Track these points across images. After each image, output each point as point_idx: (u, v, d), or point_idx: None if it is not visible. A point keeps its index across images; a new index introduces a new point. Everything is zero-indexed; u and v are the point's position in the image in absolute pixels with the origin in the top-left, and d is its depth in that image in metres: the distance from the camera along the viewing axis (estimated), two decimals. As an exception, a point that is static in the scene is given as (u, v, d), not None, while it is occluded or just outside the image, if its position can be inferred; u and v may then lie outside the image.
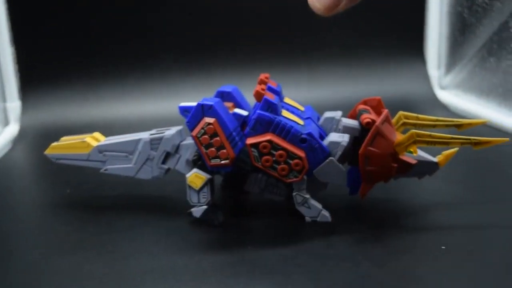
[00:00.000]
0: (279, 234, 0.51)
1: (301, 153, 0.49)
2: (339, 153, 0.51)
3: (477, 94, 1.01)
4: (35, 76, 1.02)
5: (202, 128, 0.49)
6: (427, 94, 1.10)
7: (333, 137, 0.52)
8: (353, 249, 0.48)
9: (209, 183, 0.52)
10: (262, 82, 0.54)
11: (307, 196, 0.52)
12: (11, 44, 1.00)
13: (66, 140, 0.58)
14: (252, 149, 0.49)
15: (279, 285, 0.42)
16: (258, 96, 0.51)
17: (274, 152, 0.49)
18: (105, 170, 0.56)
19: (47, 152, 0.58)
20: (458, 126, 0.56)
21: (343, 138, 0.51)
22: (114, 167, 0.56)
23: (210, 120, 0.49)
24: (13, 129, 0.96)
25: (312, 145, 0.50)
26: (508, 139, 0.53)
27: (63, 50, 1.03)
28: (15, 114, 1.00)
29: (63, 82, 1.03)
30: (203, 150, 0.49)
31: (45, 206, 0.61)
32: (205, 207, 0.52)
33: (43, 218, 0.58)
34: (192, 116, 0.49)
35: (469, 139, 0.52)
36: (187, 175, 0.52)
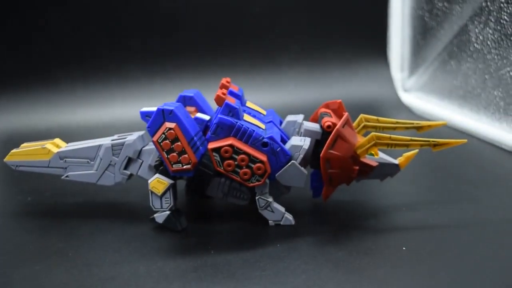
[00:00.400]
0: (242, 238, 0.51)
1: (263, 157, 0.49)
2: (301, 156, 0.51)
3: (439, 96, 1.02)
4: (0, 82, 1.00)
5: (163, 133, 0.48)
6: (391, 97, 1.11)
7: (295, 140, 0.52)
8: (315, 252, 0.48)
9: (172, 188, 0.51)
10: (223, 86, 0.54)
11: (270, 199, 0.52)
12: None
13: (26, 146, 0.57)
14: (214, 154, 0.49)
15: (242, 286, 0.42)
16: (220, 100, 0.50)
17: (236, 157, 0.49)
18: (66, 176, 0.55)
19: (7, 159, 0.56)
20: (418, 128, 0.57)
21: (305, 142, 0.51)
22: (76, 173, 0.55)
23: (171, 125, 0.48)
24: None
25: (274, 149, 0.50)
26: (466, 140, 0.54)
27: (23, 56, 1.01)
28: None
29: (24, 88, 1.01)
30: (165, 155, 0.49)
31: (4, 214, 0.59)
32: (168, 212, 0.51)
33: (2, 227, 0.56)
34: (153, 121, 0.48)
35: (428, 141, 0.52)
36: (149, 181, 0.51)
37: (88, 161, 0.54)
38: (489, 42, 0.85)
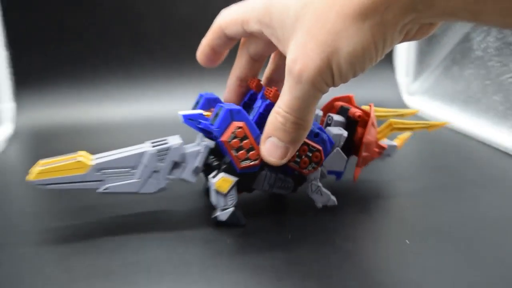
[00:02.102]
0: (254, 229, 0.52)
1: (319, 146, 0.51)
2: (342, 143, 0.54)
3: (441, 100, 1.02)
4: (28, 79, 1.02)
5: (232, 132, 0.47)
6: (396, 100, 1.11)
7: (334, 130, 0.54)
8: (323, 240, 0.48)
9: (235, 185, 0.50)
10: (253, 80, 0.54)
11: (320, 184, 0.54)
12: (5, 48, 0.99)
13: (49, 163, 0.48)
14: None
15: (253, 276, 0.42)
16: (258, 86, 0.52)
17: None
18: (105, 189, 0.49)
19: (35, 178, 0.47)
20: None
21: (343, 131, 0.55)
22: (115, 184, 0.49)
23: (240, 124, 0.48)
24: (7, 129, 0.95)
25: (323, 138, 0.52)
26: (448, 122, 0.68)
27: (55, 55, 1.02)
28: (10, 115, 0.99)
29: (55, 84, 1.02)
30: (233, 153, 0.48)
31: (36, 202, 0.60)
32: (232, 209, 0.51)
33: (34, 214, 0.57)
34: (222, 122, 0.47)
35: (426, 124, 0.63)
36: (214, 181, 0.49)
37: (129, 170, 0.50)
38: (490, 50, 0.85)
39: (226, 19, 0.47)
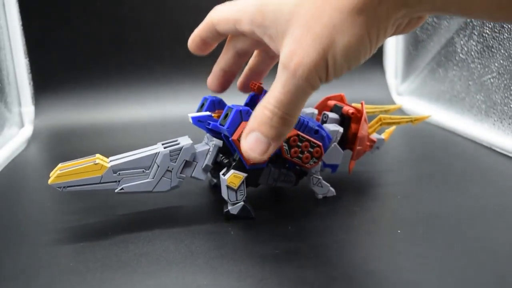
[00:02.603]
0: (257, 221, 0.51)
1: (319, 142, 0.51)
2: (338, 138, 0.54)
3: (428, 100, 1.01)
4: (46, 84, 1.01)
5: (242, 131, 0.46)
6: (386, 99, 1.10)
7: (331, 127, 0.54)
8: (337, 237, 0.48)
9: (244, 181, 0.50)
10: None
11: (320, 177, 0.54)
12: (25, 56, 0.99)
13: (68, 166, 0.47)
14: (284, 144, 0.50)
15: (255, 265, 0.42)
16: (258, 88, 0.52)
17: (300, 144, 0.50)
18: (121, 189, 0.49)
19: (52, 181, 0.47)
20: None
21: (339, 127, 0.55)
22: (130, 184, 0.49)
23: None
24: (27, 130, 0.95)
25: (322, 135, 0.51)
26: (430, 115, 0.71)
27: (71, 61, 1.02)
28: (29, 117, 0.99)
29: (71, 88, 1.02)
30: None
31: (54, 198, 0.60)
32: (242, 203, 0.50)
33: (52, 209, 0.57)
34: (232, 121, 0.47)
35: (411, 118, 0.65)
36: (226, 177, 0.49)
37: (143, 171, 0.49)
38: (472, 53, 0.84)
39: (219, 16, 0.46)
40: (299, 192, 0.57)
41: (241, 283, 0.39)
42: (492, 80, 0.79)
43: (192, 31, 0.49)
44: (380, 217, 0.51)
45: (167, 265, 0.42)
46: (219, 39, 0.49)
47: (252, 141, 0.41)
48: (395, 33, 0.41)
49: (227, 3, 0.45)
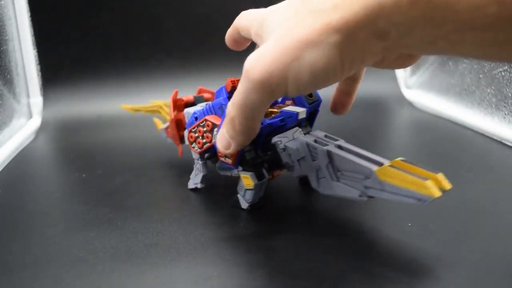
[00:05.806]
0: (266, 214, 0.51)
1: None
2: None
3: (437, 93, 1.00)
4: (55, 75, 1.02)
5: None
6: (395, 93, 1.09)
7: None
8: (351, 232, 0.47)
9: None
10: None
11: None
12: (34, 47, 0.99)
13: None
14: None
15: (265, 257, 0.42)
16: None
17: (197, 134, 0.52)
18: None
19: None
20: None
21: None
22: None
23: None
24: (35, 122, 0.95)
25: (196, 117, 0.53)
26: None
27: (79, 53, 1.02)
28: (38, 108, 1.00)
29: (79, 80, 1.02)
30: None
31: (63, 189, 0.60)
32: (238, 196, 0.52)
33: (61, 199, 0.57)
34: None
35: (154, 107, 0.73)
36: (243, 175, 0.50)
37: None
38: (484, 46, 0.84)
39: (239, 23, 0.47)
40: (308, 185, 0.57)
41: (251, 275, 0.39)
42: (503, 73, 0.78)
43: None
44: (391, 211, 0.51)
45: (177, 256, 0.42)
46: (249, 40, 0.49)
47: (220, 135, 0.43)
48: (381, 65, 0.40)
49: (251, 10, 0.45)
